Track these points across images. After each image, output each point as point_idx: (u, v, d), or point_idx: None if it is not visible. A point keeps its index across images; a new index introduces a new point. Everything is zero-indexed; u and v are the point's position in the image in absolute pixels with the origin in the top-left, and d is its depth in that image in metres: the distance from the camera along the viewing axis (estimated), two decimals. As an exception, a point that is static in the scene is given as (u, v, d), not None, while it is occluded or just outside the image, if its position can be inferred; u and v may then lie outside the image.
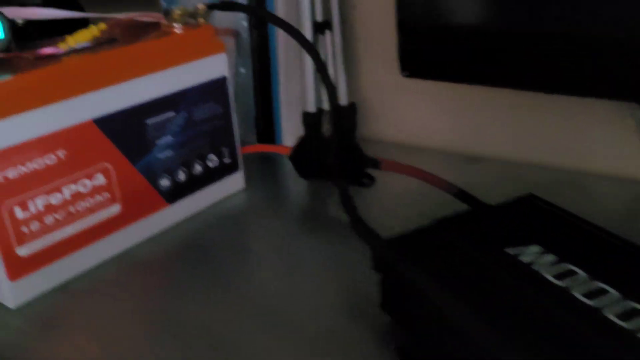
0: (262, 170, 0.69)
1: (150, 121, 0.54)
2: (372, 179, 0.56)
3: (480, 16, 0.55)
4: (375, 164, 0.56)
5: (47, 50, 0.53)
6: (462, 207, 0.52)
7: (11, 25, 0.50)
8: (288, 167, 0.69)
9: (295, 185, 0.65)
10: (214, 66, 0.59)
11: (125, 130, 0.52)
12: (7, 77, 0.45)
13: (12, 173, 0.45)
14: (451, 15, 0.56)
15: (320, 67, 0.55)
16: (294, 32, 0.56)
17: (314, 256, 0.52)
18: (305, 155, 0.59)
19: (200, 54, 0.57)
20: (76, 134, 0.49)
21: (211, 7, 0.60)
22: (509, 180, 0.63)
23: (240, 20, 0.71)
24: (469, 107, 0.69)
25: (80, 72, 0.49)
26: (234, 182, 0.64)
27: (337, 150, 0.52)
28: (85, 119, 0.49)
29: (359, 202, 0.59)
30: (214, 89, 0.59)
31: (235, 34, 0.72)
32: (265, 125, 0.74)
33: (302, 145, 0.60)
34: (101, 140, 0.51)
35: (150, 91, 0.53)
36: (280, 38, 0.70)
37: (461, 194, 0.49)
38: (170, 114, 0.55)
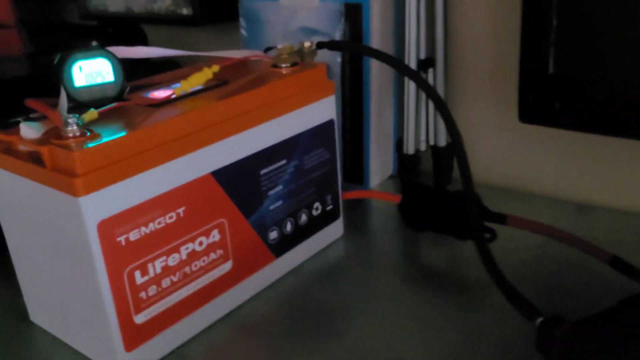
0: (354, 213, 0.65)
1: (264, 171, 0.50)
2: (493, 234, 0.52)
3: (604, 65, 0.52)
4: (501, 218, 0.51)
5: (158, 94, 0.49)
6: (598, 271, 0.48)
7: (123, 67, 0.46)
8: (382, 210, 0.65)
9: (395, 233, 0.61)
10: (324, 109, 0.55)
11: (241, 182, 0.48)
12: (124, 133, 0.41)
13: (134, 235, 0.41)
14: (577, 64, 0.53)
15: (443, 108, 0.51)
16: (414, 75, 0.52)
17: (429, 318, 0.48)
18: (416, 205, 0.55)
19: (314, 97, 0.53)
20: (196, 189, 0.45)
21: (320, 46, 0.56)
22: (630, 233, 0.58)
23: (334, 55, 0.67)
24: (575, 151, 0.65)
25: (202, 124, 0.45)
26: (334, 230, 0.59)
27: (474, 202, 0.48)
28: (204, 173, 0.45)
29: (463, 256, 0.55)
30: (323, 133, 0.55)
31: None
32: (354, 164, 0.70)
33: (411, 194, 0.56)
34: (219, 194, 0.47)
35: (266, 139, 0.49)
36: (374, 74, 0.66)
37: (618, 263, 0.44)
38: (282, 162, 0.51)
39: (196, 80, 0.48)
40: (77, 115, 0.40)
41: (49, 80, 0.65)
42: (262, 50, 0.60)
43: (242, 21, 0.73)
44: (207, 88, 0.49)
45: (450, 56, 0.66)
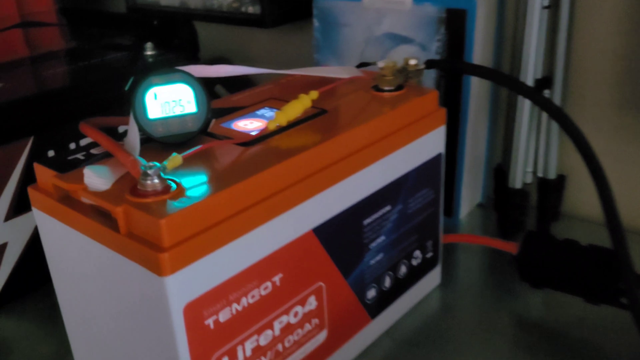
0: (448, 254, 0.56)
1: (367, 221, 0.41)
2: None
3: None
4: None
5: (245, 125, 0.40)
6: None
7: (208, 94, 0.37)
8: (478, 249, 0.56)
9: (498, 282, 0.52)
10: (434, 142, 0.46)
11: (343, 237, 0.39)
12: (217, 189, 0.33)
13: (224, 315, 0.33)
14: None
15: (579, 139, 0.42)
16: (554, 110, 0.42)
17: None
18: (539, 257, 0.46)
19: (424, 129, 0.44)
20: (295, 251, 0.36)
21: (430, 65, 0.47)
22: None
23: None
24: None
25: (308, 171, 0.36)
26: (432, 280, 0.51)
27: (629, 264, 0.39)
28: (305, 230, 0.37)
29: (585, 319, 0.46)
30: (430, 169, 0.46)
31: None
32: (445, 193, 0.60)
33: (532, 243, 0.47)
34: (319, 253, 0.38)
35: (372, 183, 0.41)
36: (473, 92, 0.56)
37: None
38: (387, 208, 0.43)
39: (294, 111, 0.39)
40: (157, 164, 0.32)
41: (92, 89, 0.56)
42: (335, 58, 0.51)
43: (315, 22, 0.64)
44: (304, 119, 0.40)
45: (570, 76, 0.56)
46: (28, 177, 0.51)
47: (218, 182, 0.33)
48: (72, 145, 0.54)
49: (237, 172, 0.33)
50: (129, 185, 0.32)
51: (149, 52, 0.63)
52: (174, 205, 0.30)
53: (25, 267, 0.52)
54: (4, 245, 0.51)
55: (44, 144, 0.52)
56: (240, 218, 0.32)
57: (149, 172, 0.31)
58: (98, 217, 0.32)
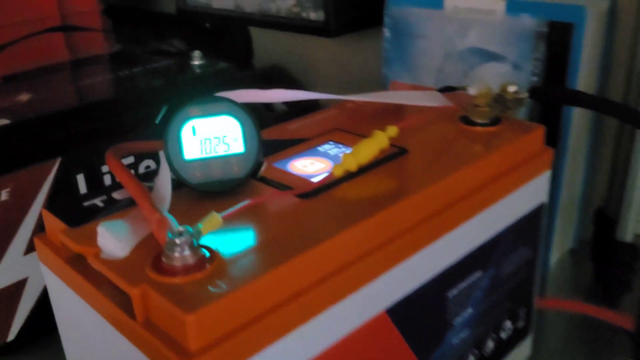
0: (538, 319, 0.46)
1: (453, 293, 0.33)
2: None
3: None
4: None
5: (305, 167, 0.32)
6: None
7: (259, 129, 0.29)
8: (573, 317, 0.47)
9: (600, 358, 0.43)
10: (536, 190, 0.37)
11: (421, 315, 0.31)
12: (263, 267, 0.25)
13: None
14: None
15: None
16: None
17: None
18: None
19: (527, 176, 0.35)
20: (362, 338, 0.28)
21: (535, 93, 0.38)
22: None
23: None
24: None
25: (386, 236, 0.28)
26: (520, 352, 0.42)
27: None
28: (377, 312, 0.28)
29: None
30: (529, 224, 0.37)
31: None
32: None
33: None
34: (392, 338, 0.30)
35: (461, 246, 0.32)
36: (574, 126, 0.47)
37: None
38: (477, 274, 0.34)
39: (367, 153, 0.31)
40: (190, 228, 0.24)
41: (131, 103, 0.50)
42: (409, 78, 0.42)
43: (386, 32, 0.55)
44: (379, 161, 0.32)
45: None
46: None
47: (269, 253, 0.25)
48: (105, 169, 0.47)
49: (294, 238, 0.25)
50: (153, 253, 0.24)
51: (196, 62, 0.55)
52: (209, 291, 0.22)
53: (47, 306, 0.46)
54: (24, 282, 0.45)
55: (73, 166, 0.45)
56: (297, 305, 0.24)
57: (178, 241, 0.23)
58: (111, 291, 0.25)
